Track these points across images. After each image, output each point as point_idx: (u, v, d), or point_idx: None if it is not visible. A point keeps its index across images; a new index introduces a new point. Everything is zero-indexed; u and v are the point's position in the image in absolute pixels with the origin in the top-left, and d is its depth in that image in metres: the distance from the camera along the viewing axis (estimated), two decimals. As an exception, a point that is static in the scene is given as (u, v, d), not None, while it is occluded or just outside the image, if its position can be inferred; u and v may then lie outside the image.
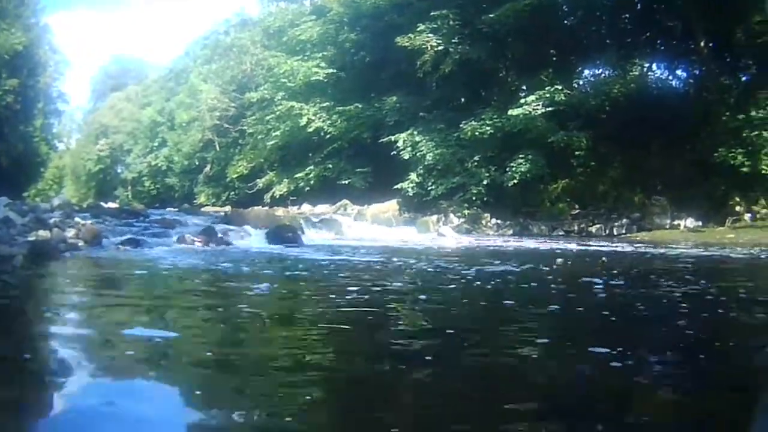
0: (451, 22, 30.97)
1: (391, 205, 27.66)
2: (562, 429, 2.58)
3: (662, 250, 15.45)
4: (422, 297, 6.40)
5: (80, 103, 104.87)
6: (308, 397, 2.94)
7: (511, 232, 25.98)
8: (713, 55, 26.76)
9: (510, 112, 27.37)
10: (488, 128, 27.96)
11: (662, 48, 30.18)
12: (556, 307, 5.74)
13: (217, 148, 56.90)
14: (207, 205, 50.09)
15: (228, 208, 32.70)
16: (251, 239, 14.48)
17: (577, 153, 27.19)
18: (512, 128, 27.30)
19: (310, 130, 37.17)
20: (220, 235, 13.60)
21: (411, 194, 30.08)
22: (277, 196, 39.93)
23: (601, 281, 7.66)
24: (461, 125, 29.02)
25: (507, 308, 5.82)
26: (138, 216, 18.73)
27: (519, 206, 27.43)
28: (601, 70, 31.31)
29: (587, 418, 2.66)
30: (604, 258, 12.22)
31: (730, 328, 5.06)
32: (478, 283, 7.74)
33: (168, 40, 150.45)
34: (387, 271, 9.14)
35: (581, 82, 31.22)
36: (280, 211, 26.23)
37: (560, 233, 25.24)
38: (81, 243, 10.73)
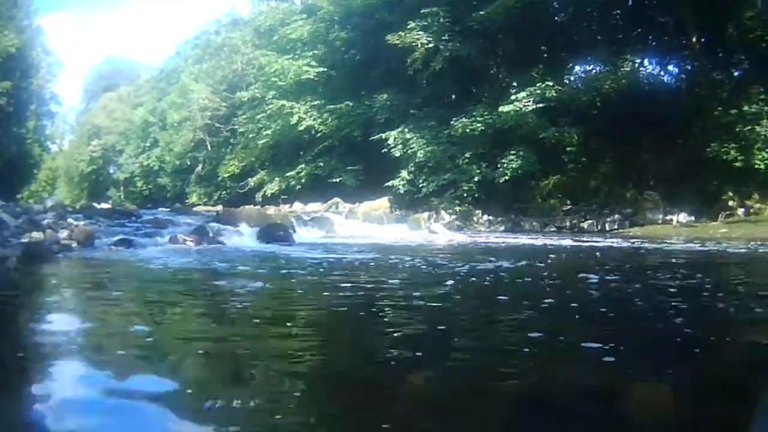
0: (441, 20, 30.83)
1: (383, 203, 27.40)
2: (553, 425, 2.54)
3: (656, 245, 15.28)
4: (415, 294, 6.26)
5: (72, 105, 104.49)
6: (299, 395, 2.94)
7: (502, 228, 25.76)
8: (705, 51, 26.57)
9: (501, 108, 27.24)
10: (479, 125, 27.82)
11: (654, 43, 30.03)
12: (549, 302, 5.63)
13: (209, 148, 56.65)
14: (199, 204, 49.72)
15: (220, 208, 32.13)
16: (243, 238, 14.29)
17: (568, 149, 27.02)
18: (503, 125, 27.19)
19: (301, 128, 37.05)
20: (211, 234, 13.47)
21: (402, 191, 29.99)
22: (269, 195, 39.78)
23: (595, 276, 7.59)
24: (452, 122, 28.88)
25: (500, 304, 5.76)
26: (130, 216, 18.60)
27: (510, 202, 27.28)
28: (592, 66, 31.12)
29: (579, 414, 2.65)
30: (597, 253, 12.25)
31: (726, 323, 4.95)
32: (471, 279, 7.63)
33: (160, 40, 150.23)
34: (379, 269, 9.02)
35: (572, 78, 31.11)
36: (271, 210, 25.84)
37: (552, 229, 25.01)
38: (74, 244, 10.64)
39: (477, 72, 31.94)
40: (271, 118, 40.12)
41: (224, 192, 51.24)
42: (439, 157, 29.16)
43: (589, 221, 25.17)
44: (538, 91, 26.89)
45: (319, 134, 36.54)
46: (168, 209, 34.19)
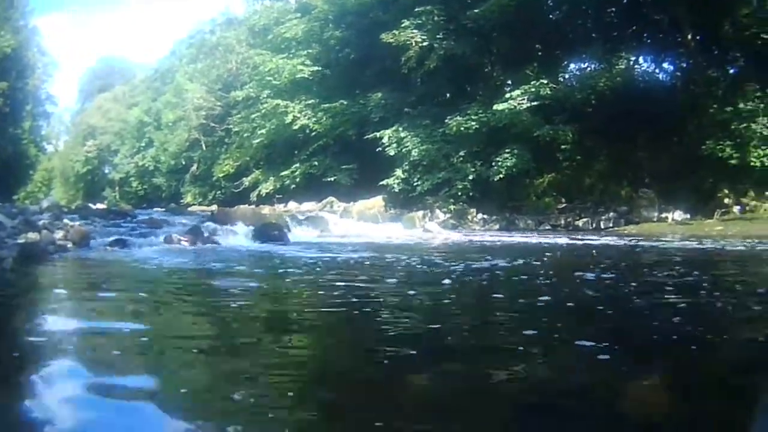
0: (435, 18, 30.67)
1: (377, 202, 27.28)
2: (548, 423, 2.54)
3: (651, 243, 15.25)
4: (411, 293, 6.27)
5: (68, 105, 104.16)
6: (295, 394, 2.92)
7: (497, 226, 25.68)
8: (700, 48, 26.39)
9: (495, 106, 27.08)
10: (473, 123, 27.68)
11: (649, 41, 29.77)
12: (545, 300, 5.62)
13: (204, 148, 56.51)
14: (194, 204, 49.70)
15: (214, 208, 31.89)
16: (237, 238, 14.29)
17: (563, 147, 26.96)
18: (497, 123, 27.04)
19: (296, 127, 36.73)
20: (206, 234, 13.49)
21: (397, 190, 29.87)
22: (264, 195, 39.55)
23: (590, 274, 7.58)
24: (446, 120, 28.69)
25: (496, 303, 5.80)
26: (125, 216, 18.69)
27: (505, 201, 27.15)
28: (586, 64, 30.85)
29: (573, 412, 2.64)
30: (594, 251, 12.26)
31: (723, 321, 4.91)
32: (467, 278, 7.63)
33: (155, 39, 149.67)
34: (374, 268, 8.96)
35: (567, 76, 30.77)
36: (266, 210, 25.89)
37: (547, 227, 24.95)
38: (70, 244, 10.68)
39: (471, 70, 31.76)
40: (265, 117, 39.85)
41: (219, 192, 51.20)
42: (433, 155, 29.00)
43: (584, 219, 25.08)
44: (533, 89, 26.70)
45: (313, 133, 36.25)
46: (163, 209, 34.56)
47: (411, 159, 29.53)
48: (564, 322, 4.79)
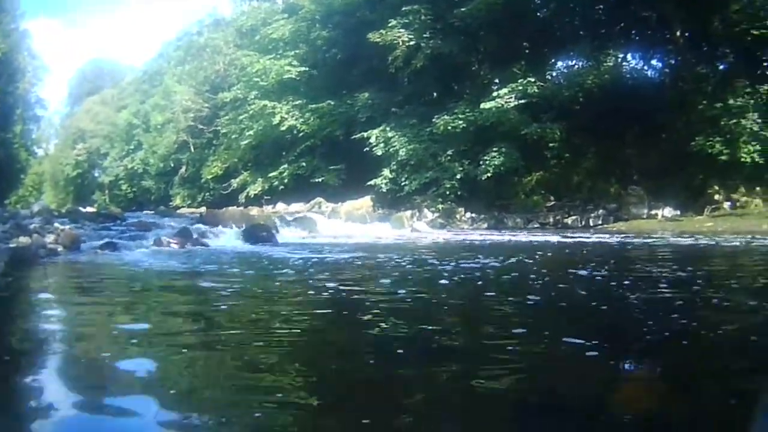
0: (422, 17, 30.49)
1: (365, 202, 27.08)
2: (535, 421, 2.51)
3: (642, 240, 15.19)
4: (401, 292, 6.11)
5: (57, 108, 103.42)
6: (284, 395, 2.85)
7: (485, 225, 25.58)
8: (689, 45, 26.28)
9: (482, 105, 26.94)
10: (461, 122, 27.52)
11: (637, 38, 29.70)
12: (535, 298, 5.55)
13: (192, 150, 56.24)
14: (183, 206, 49.61)
15: (203, 209, 32.07)
16: (226, 239, 14.15)
17: (551, 145, 26.72)
18: (485, 122, 26.86)
19: (283, 128, 36.59)
20: (195, 236, 13.41)
21: (385, 190, 29.69)
22: (252, 196, 39.47)
23: (582, 272, 7.65)
24: (434, 120, 28.54)
25: (486, 301, 5.67)
26: (115, 220, 18.48)
27: (493, 199, 26.97)
28: (574, 62, 30.69)
29: (560, 409, 2.61)
30: (584, 250, 12.20)
31: (716, 316, 4.75)
32: (456, 277, 7.37)
33: (144, 41, 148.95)
34: (362, 268, 8.92)
35: (554, 74, 30.76)
36: (254, 211, 25.63)
37: (535, 226, 24.85)
38: (60, 248, 10.53)
39: (458, 69, 31.55)
40: (253, 118, 39.72)
41: (208, 194, 50.97)
42: (421, 155, 28.84)
43: (573, 217, 25.02)
44: (520, 88, 26.57)
45: (301, 134, 36.11)
46: (152, 212, 34.00)
47: (398, 159, 29.38)
48: (555, 320, 4.76)
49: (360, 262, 9.66)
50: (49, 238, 10.93)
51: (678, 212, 23.05)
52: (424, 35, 29.96)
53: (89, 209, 35.91)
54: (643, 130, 24.63)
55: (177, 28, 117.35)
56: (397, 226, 22.40)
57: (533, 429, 2.46)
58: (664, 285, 6.43)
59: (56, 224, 13.16)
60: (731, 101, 22.53)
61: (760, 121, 21.90)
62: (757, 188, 22.29)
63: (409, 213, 25.56)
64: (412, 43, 29.93)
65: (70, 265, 9.06)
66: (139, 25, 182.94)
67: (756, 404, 2.23)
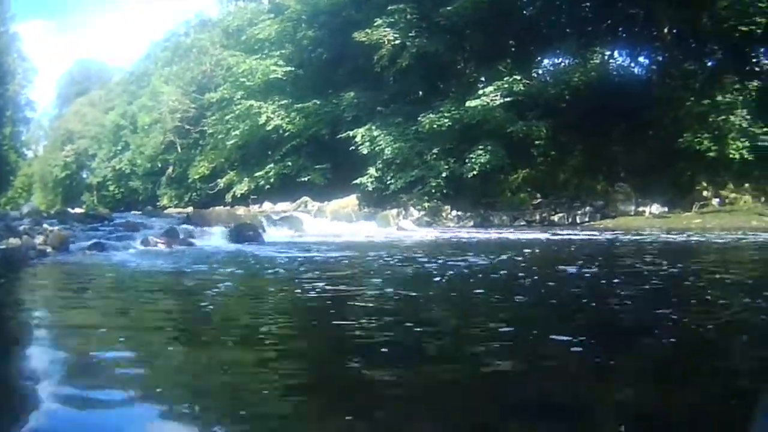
0: (408, 16, 30.16)
1: (351, 201, 27.04)
2: (517, 418, 2.54)
3: (631, 237, 15.09)
4: (388, 290, 6.19)
5: (46, 110, 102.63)
6: (272, 393, 2.90)
7: (471, 223, 25.42)
8: (677, 41, 26.07)
9: (468, 103, 26.62)
10: (446, 120, 27.24)
11: (624, 35, 29.45)
12: (523, 296, 5.62)
13: (179, 150, 55.78)
14: (170, 207, 49.47)
15: (190, 209, 32.24)
16: (213, 238, 14.23)
17: (537, 143, 26.42)
18: (470, 120, 26.57)
19: (269, 128, 36.30)
20: (182, 235, 13.56)
21: (370, 189, 29.41)
22: (238, 196, 39.23)
23: (570, 269, 7.66)
24: (419, 118, 28.23)
25: (473, 299, 5.60)
26: (103, 220, 18.66)
27: (479, 197, 26.72)
28: (560, 59, 30.36)
29: (541, 407, 2.62)
30: (572, 247, 12.29)
31: (708, 314, 4.72)
32: (444, 275, 7.33)
33: (132, 42, 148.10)
34: (349, 267, 8.94)
35: (541, 72, 30.38)
36: (241, 210, 25.48)
37: (522, 223, 24.63)
38: (49, 249, 10.62)
39: (444, 67, 31.26)
40: (239, 118, 39.35)
41: (195, 194, 50.70)
42: (406, 153, 28.57)
43: (560, 214, 24.85)
44: (506, 86, 26.28)
45: (287, 133, 35.88)
46: (140, 212, 33.95)
47: (384, 157, 29.10)
48: (542, 317, 4.72)
49: (347, 261, 9.68)
50: (39, 239, 11.02)
51: (665, 209, 22.92)
52: (410, 34, 29.61)
53: (78, 210, 36.28)
54: (630, 127, 24.44)
55: (165, 28, 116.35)
56: (383, 224, 22.18)
57: (520, 426, 2.46)
58: (654, 282, 6.46)
59: (45, 225, 13.34)
60: (719, 98, 22.30)
61: (748, 117, 21.70)
62: (746, 185, 22.24)
63: (395, 211, 25.31)
64: (397, 42, 29.58)
65: (60, 266, 9.14)
66: (127, 26, 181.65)
67: (756, 404, 2.18)
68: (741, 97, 22.11)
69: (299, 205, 28.27)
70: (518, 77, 26.50)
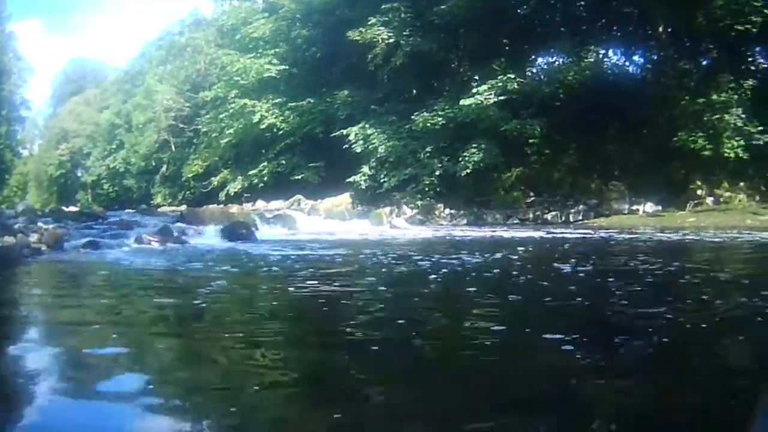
0: (402, 15, 30.00)
1: (344, 199, 26.64)
2: (507, 414, 2.50)
3: (625, 236, 14.95)
4: (380, 289, 6.20)
5: (41, 109, 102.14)
6: (262, 390, 2.83)
7: (465, 221, 25.27)
8: (672, 40, 25.87)
9: (462, 102, 26.54)
10: (440, 119, 27.15)
11: (618, 34, 29.31)
12: (516, 295, 5.49)
13: (173, 148, 55.58)
14: (164, 205, 49.24)
15: (184, 208, 31.49)
16: (206, 237, 14.21)
17: (531, 141, 26.17)
18: (464, 118, 26.46)
19: (263, 126, 36.14)
20: (176, 234, 13.56)
21: (364, 187, 29.23)
22: (232, 194, 39.09)
23: (564, 267, 7.61)
24: (413, 117, 28.15)
25: (466, 297, 5.55)
26: (97, 219, 18.53)
27: (472, 196, 26.56)
28: (555, 58, 30.20)
29: (533, 403, 2.61)
30: (566, 245, 12.29)
31: (701, 312, 4.65)
32: (436, 273, 7.25)
33: (127, 40, 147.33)
34: (342, 265, 8.89)
35: (535, 71, 30.31)
36: (234, 209, 25.60)
37: (515, 221, 24.56)
38: (44, 247, 10.62)
39: (438, 66, 31.02)
40: (233, 117, 39.23)
41: (188, 192, 50.48)
42: (400, 151, 28.40)
43: (553, 213, 24.75)
44: (500, 84, 26.18)
45: (280, 132, 35.69)
46: (134, 210, 34.03)
47: (378, 156, 28.94)
48: (536, 316, 4.69)
49: (340, 259, 9.61)
50: (33, 238, 10.96)
51: (659, 208, 22.80)
52: (404, 33, 29.42)
53: (72, 209, 36.21)
54: (625, 125, 24.33)
55: (160, 27, 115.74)
56: (376, 222, 22.08)
57: (510, 424, 2.41)
58: (648, 280, 6.43)
59: (40, 224, 13.25)
60: (714, 96, 22.18)
61: (744, 116, 21.56)
62: (741, 183, 22.16)
63: (388, 209, 25.06)
64: (391, 40, 29.39)
65: (54, 264, 9.12)
66: (123, 25, 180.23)
67: (756, 404, 2.16)
68: (736, 96, 22.02)
69: (293, 204, 28.11)
70: (512, 76, 26.40)
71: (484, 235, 16.71)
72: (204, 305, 5.16)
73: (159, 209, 40.90)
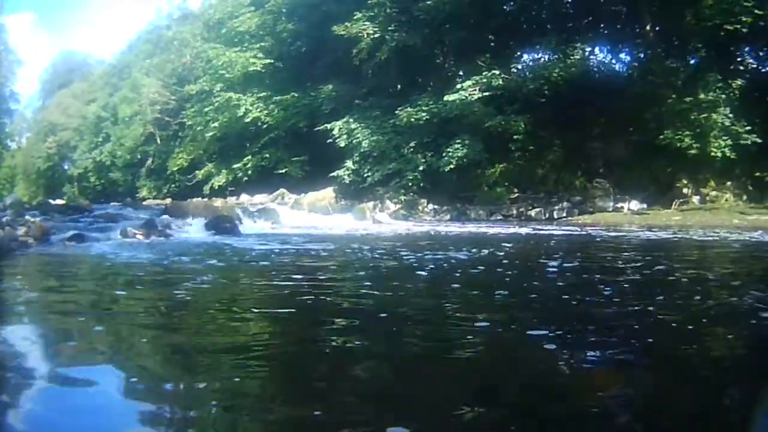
0: (387, 10, 29.67)
1: (328, 193, 26.19)
2: (491, 411, 2.45)
3: (610, 233, 14.77)
4: (366, 284, 5.98)
5: (29, 102, 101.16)
6: (246, 383, 2.80)
7: (448, 217, 24.95)
8: (659, 38, 25.51)
9: (446, 97, 26.26)
10: (424, 114, 26.83)
11: (605, 32, 29.03)
12: (501, 291, 5.25)
13: (158, 142, 55.08)
14: (149, 198, 48.68)
15: (168, 201, 31.27)
16: (191, 230, 14.07)
17: (515, 137, 25.77)
18: (448, 114, 26.23)
19: (248, 120, 35.85)
20: (160, 227, 13.41)
21: (347, 182, 29.02)
22: (216, 188, 38.79)
23: (549, 264, 7.49)
24: (397, 112, 27.83)
25: (450, 293, 5.44)
26: (83, 212, 18.51)
27: (456, 191, 26.25)
28: (540, 55, 29.74)
29: (514, 401, 2.59)
30: (552, 241, 12.07)
31: (690, 310, 4.52)
32: (420, 269, 7.13)
33: (115, 33, 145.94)
34: (325, 259, 8.67)
35: (520, 67, 29.79)
36: (218, 202, 24.79)
37: (498, 218, 24.25)
38: (31, 240, 10.48)
39: (423, 61, 30.76)
40: (218, 110, 38.78)
41: (173, 185, 50.09)
42: (383, 146, 28.13)
43: (537, 209, 24.31)
44: (484, 80, 25.88)
45: (265, 126, 35.41)
46: (119, 204, 33.11)
47: (361, 150, 28.66)
48: (520, 312, 4.48)
49: (325, 254, 9.50)
50: (21, 231, 10.90)
51: (645, 206, 22.46)
52: (389, 28, 29.00)
53: (59, 202, 35.86)
54: (610, 123, 24.07)
55: (147, 20, 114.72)
56: (360, 217, 21.73)
57: (491, 420, 2.34)
58: (636, 278, 6.37)
59: (27, 217, 13.37)
60: (702, 95, 21.76)
61: (731, 115, 21.21)
62: (728, 183, 21.82)
63: (371, 204, 24.76)
64: (376, 35, 29.01)
65: (41, 257, 9.08)
66: (114, 18, 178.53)
67: (756, 404, 2.11)
68: (724, 96, 21.67)
69: (276, 198, 27.82)
70: (497, 72, 26.11)
71: (468, 231, 16.46)
72: (188, 299, 5.07)
73: (144, 202, 39.82)
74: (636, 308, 4.47)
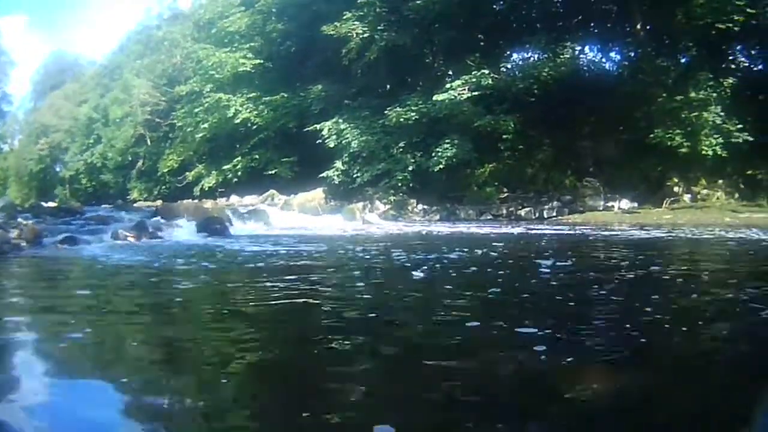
0: (377, 10, 29.32)
1: (317, 194, 26.02)
2: (481, 410, 2.45)
3: (601, 232, 14.72)
4: (357, 285, 6.04)
5: (21, 103, 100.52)
6: (235, 384, 2.84)
7: (438, 217, 24.75)
8: (650, 37, 25.29)
9: (435, 97, 25.95)
10: (413, 114, 26.50)
11: (596, 31, 28.82)
12: (492, 290, 5.30)
13: (149, 143, 54.68)
14: (140, 200, 48.31)
15: (159, 203, 31.06)
16: (181, 232, 14.07)
17: (504, 137, 25.51)
18: (438, 113, 25.94)
19: (238, 121, 35.48)
20: (151, 229, 13.56)
21: (337, 182, 28.72)
22: (206, 189, 38.56)
23: (541, 263, 7.41)
24: (386, 112, 27.48)
25: (441, 293, 5.42)
26: (75, 214, 18.72)
27: (445, 191, 26.00)
28: (530, 54, 29.51)
29: (504, 400, 2.60)
30: (542, 241, 12.06)
31: (683, 309, 4.59)
32: (411, 270, 7.00)
33: (107, 34, 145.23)
34: (315, 260, 8.74)
35: (509, 66, 29.53)
36: (208, 204, 24.66)
37: (488, 217, 24.08)
38: (23, 243, 10.58)
39: (412, 61, 30.45)
40: (208, 111, 38.38)
41: (164, 187, 49.76)
42: (373, 147, 27.81)
43: (527, 209, 24.09)
44: (474, 80, 25.58)
45: (254, 126, 35.09)
46: (111, 206, 32.94)
47: (351, 151, 28.36)
48: (513, 312, 4.48)
49: (316, 254, 9.54)
50: (13, 234, 10.93)
51: (635, 204, 22.28)
52: (378, 27, 28.68)
53: (51, 204, 36.09)
54: (600, 122, 23.88)
55: (138, 20, 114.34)
56: (349, 217, 21.69)
57: (477, 421, 2.29)
58: (629, 276, 6.34)
59: (20, 219, 13.41)
60: (693, 94, 21.56)
61: (722, 114, 20.96)
62: (720, 181, 21.63)
63: (361, 205, 24.58)
64: (366, 35, 28.70)
65: (33, 259, 9.10)
66: (103, 17, 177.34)
67: (755, 404, 2.07)
68: (715, 94, 21.48)
69: (266, 199, 27.72)
70: (487, 71, 25.81)
71: (459, 231, 16.33)
72: (180, 300, 5.13)
73: (135, 204, 39.49)
74: (629, 307, 4.46)
